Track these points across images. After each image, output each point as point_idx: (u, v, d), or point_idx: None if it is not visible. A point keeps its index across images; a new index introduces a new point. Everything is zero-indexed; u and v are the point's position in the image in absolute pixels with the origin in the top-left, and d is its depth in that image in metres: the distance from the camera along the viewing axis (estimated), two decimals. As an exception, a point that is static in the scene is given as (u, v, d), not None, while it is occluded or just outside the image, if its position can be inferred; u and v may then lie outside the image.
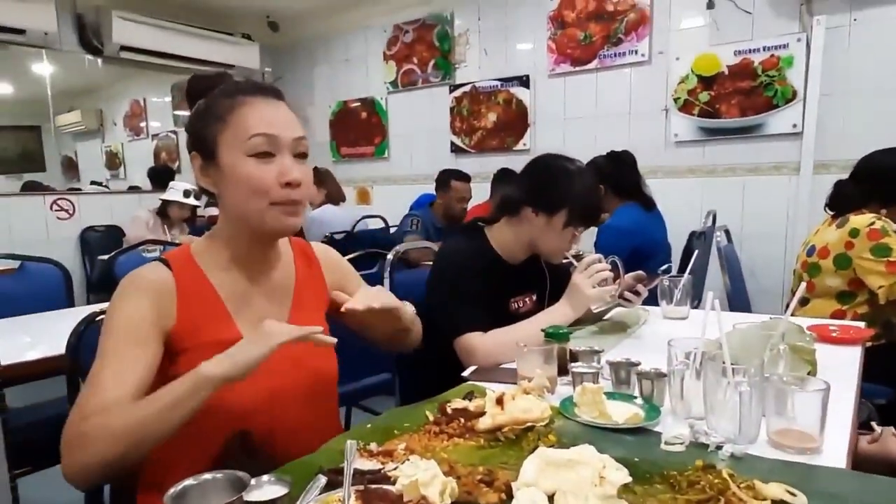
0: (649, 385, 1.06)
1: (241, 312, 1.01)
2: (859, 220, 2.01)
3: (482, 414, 0.98)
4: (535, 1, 4.14)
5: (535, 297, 1.67)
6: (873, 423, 1.24)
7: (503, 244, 1.58)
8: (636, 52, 3.79)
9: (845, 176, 2.19)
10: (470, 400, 1.06)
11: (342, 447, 0.76)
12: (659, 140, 3.77)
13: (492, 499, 0.74)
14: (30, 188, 4.48)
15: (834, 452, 0.87)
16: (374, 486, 0.75)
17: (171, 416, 0.83)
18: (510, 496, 0.74)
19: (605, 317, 1.73)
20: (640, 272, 1.62)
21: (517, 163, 1.65)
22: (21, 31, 3.89)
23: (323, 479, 0.75)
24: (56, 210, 4.25)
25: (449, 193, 3.76)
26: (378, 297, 1.05)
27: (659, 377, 1.06)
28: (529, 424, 0.96)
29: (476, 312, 1.43)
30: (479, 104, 4.52)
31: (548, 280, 1.67)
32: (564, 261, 1.58)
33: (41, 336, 1.79)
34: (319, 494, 0.73)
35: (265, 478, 0.74)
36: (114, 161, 5.39)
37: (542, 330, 1.29)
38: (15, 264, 2.34)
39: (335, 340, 0.94)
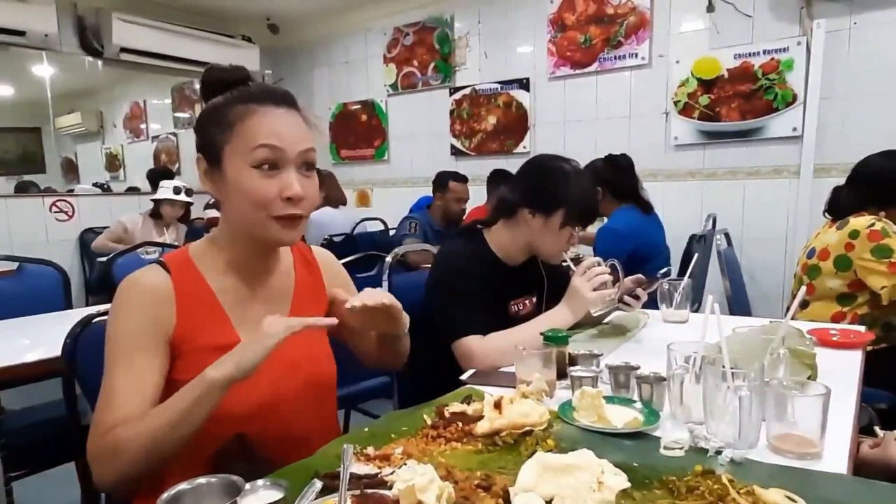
0: (649, 389, 1.06)
1: (239, 317, 1.00)
2: (859, 221, 2.01)
3: (480, 418, 0.98)
4: (535, 4, 4.15)
5: (535, 300, 1.66)
6: (876, 428, 1.23)
7: (502, 246, 1.57)
8: (636, 55, 3.79)
9: (845, 179, 2.19)
10: (468, 404, 1.05)
11: (339, 451, 0.76)
12: (659, 143, 3.77)
13: (489, 504, 0.73)
14: (23, 189, 4.47)
15: (834, 458, 0.86)
16: (370, 491, 0.74)
17: (183, 423, 0.84)
18: (508, 501, 0.73)
19: (605, 320, 1.72)
20: (640, 276, 1.61)
21: (517, 166, 1.64)
22: (21, 33, 3.90)
23: (319, 484, 0.74)
24: (55, 212, 4.25)
25: (447, 194, 3.76)
26: (379, 295, 1.04)
27: (658, 381, 1.05)
28: (528, 429, 0.95)
29: (475, 316, 1.43)
30: (478, 107, 4.53)
31: (545, 283, 1.67)
32: (563, 264, 1.58)
33: (38, 338, 1.78)
34: (315, 499, 0.73)
35: (260, 482, 0.73)
36: (114, 163, 5.40)
37: (541, 333, 1.28)
38: (13, 266, 2.34)
39: (335, 321, 0.93)
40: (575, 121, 4.10)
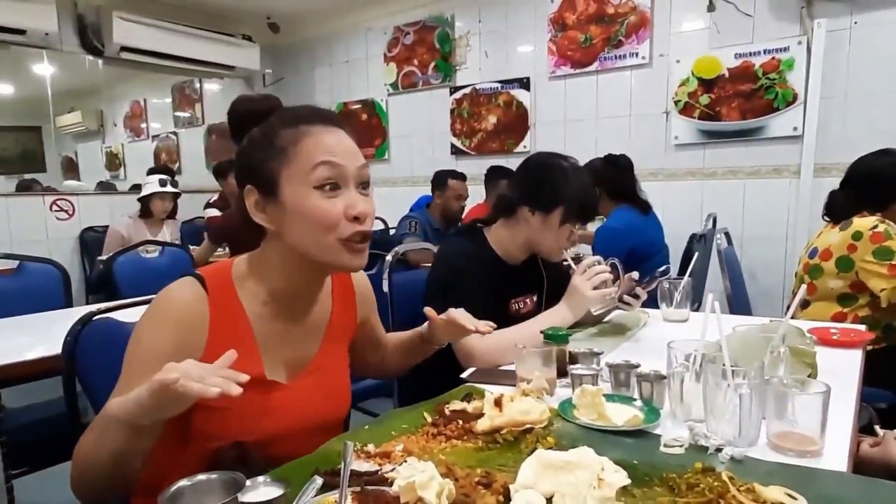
0: (649, 387, 1.06)
1: (270, 351, 0.97)
2: (862, 222, 2.00)
3: (480, 416, 0.98)
4: (536, 3, 4.15)
5: (535, 299, 1.66)
6: (876, 427, 1.23)
7: (502, 245, 1.57)
8: (637, 54, 3.79)
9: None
10: (468, 402, 1.06)
11: (339, 448, 0.76)
12: (659, 143, 3.77)
13: (489, 501, 0.73)
14: (27, 187, 4.47)
15: (834, 456, 0.86)
16: (370, 488, 0.74)
17: (101, 446, 0.82)
18: (508, 498, 0.73)
19: (605, 319, 1.72)
20: (632, 274, 1.60)
21: (517, 165, 1.64)
22: (22, 32, 3.89)
23: (319, 481, 0.74)
24: (55, 210, 4.24)
25: (446, 193, 3.77)
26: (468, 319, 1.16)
27: (658, 379, 1.06)
28: (528, 426, 0.95)
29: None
30: (479, 106, 4.52)
31: (546, 282, 1.67)
32: (564, 263, 1.58)
33: (39, 336, 1.78)
34: (316, 496, 0.73)
35: (261, 479, 0.73)
36: (114, 162, 5.39)
37: (542, 332, 1.28)
38: (14, 264, 2.34)
39: (244, 380, 0.76)
40: (575, 120, 4.10)
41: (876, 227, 1.96)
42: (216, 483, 0.71)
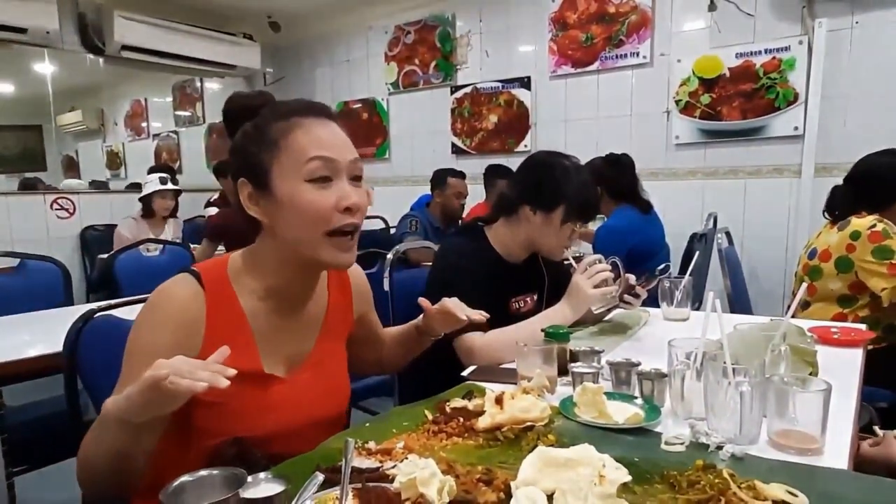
0: (650, 385, 1.06)
1: (267, 345, 0.98)
2: (860, 222, 2.00)
3: (481, 413, 0.98)
4: (537, 2, 4.14)
5: (535, 298, 1.66)
6: (876, 428, 1.23)
7: (503, 244, 1.57)
8: (637, 53, 3.79)
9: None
10: (469, 399, 1.06)
11: (340, 445, 0.76)
12: (660, 142, 3.77)
13: (490, 498, 0.73)
14: (30, 185, 4.47)
15: (835, 454, 0.86)
16: (371, 485, 0.74)
17: (101, 445, 0.82)
18: (509, 495, 0.73)
19: (606, 318, 1.72)
20: (629, 275, 1.60)
21: (518, 164, 1.64)
22: (23, 30, 3.89)
23: (320, 477, 0.74)
24: (56, 209, 4.25)
25: (446, 191, 3.77)
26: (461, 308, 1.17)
27: (659, 377, 1.06)
28: (529, 424, 0.95)
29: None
30: (480, 105, 4.52)
31: (546, 280, 1.67)
32: (565, 262, 1.58)
33: (40, 334, 1.78)
34: (317, 492, 0.73)
35: (262, 475, 0.73)
36: (114, 161, 5.40)
37: (542, 330, 1.28)
38: (14, 262, 2.34)
39: (226, 384, 0.74)
40: (576, 119, 4.10)
41: (874, 226, 1.96)
42: (218, 479, 0.71)
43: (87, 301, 3.90)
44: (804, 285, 1.29)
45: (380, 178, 5.19)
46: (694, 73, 3.59)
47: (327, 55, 5.37)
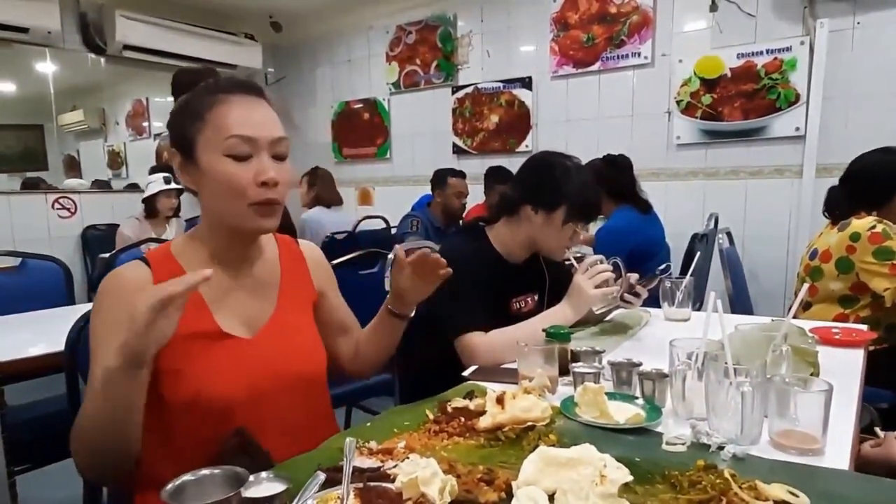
0: (651, 385, 1.06)
1: (220, 306, 1.01)
2: (860, 223, 2.00)
3: (482, 413, 0.98)
4: (538, 3, 4.14)
5: (536, 298, 1.66)
6: (877, 429, 1.23)
7: (504, 244, 1.57)
8: (639, 54, 3.79)
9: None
10: (470, 399, 1.06)
11: (341, 445, 0.76)
12: (661, 142, 3.77)
13: (491, 497, 0.73)
14: (33, 185, 4.47)
15: (836, 454, 0.86)
16: (373, 484, 0.74)
17: (103, 409, 0.84)
18: (510, 495, 0.73)
19: (607, 318, 1.72)
20: (631, 274, 1.60)
21: (519, 165, 1.64)
22: (24, 30, 3.90)
23: (322, 477, 0.75)
24: (58, 208, 4.25)
25: (446, 191, 3.78)
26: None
27: (660, 377, 1.06)
28: (530, 424, 0.96)
29: (477, 312, 1.43)
30: (481, 105, 4.52)
31: (547, 280, 1.67)
32: (567, 262, 1.57)
33: (41, 333, 1.79)
34: (318, 492, 0.73)
35: (264, 474, 0.73)
36: (116, 161, 5.39)
37: (544, 330, 1.28)
38: (16, 262, 2.35)
39: (209, 273, 0.80)
40: (577, 120, 4.10)
41: (874, 227, 1.96)
42: (219, 478, 0.71)
43: (89, 300, 3.90)
44: (806, 286, 1.28)
45: (381, 178, 5.20)
46: (695, 73, 3.59)
47: (328, 55, 5.37)
